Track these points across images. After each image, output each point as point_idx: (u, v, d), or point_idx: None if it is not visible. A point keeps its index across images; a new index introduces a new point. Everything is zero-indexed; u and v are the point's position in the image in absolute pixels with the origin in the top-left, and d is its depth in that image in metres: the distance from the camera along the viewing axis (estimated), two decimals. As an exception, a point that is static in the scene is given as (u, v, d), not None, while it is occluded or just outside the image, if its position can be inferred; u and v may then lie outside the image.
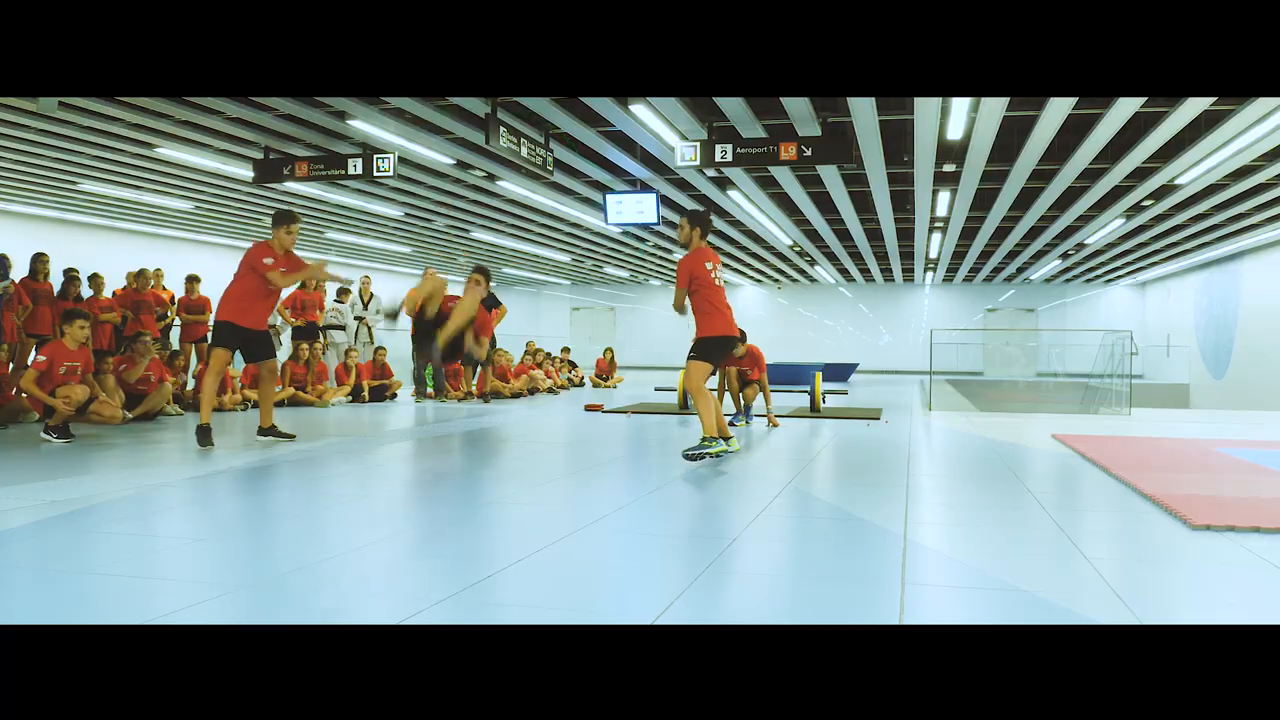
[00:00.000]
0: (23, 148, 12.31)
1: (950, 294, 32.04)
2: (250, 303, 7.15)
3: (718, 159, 10.44)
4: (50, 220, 18.43)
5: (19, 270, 10.32)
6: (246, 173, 12.95)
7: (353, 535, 3.95)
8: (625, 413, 10.72)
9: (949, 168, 13.11)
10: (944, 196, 15.21)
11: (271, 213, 17.83)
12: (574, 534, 3.94)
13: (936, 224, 18.36)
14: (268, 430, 7.45)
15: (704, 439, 6.25)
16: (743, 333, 9.23)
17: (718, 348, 6.44)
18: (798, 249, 22.66)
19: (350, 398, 12.40)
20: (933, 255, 23.56)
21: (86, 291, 10.84)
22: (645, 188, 14.27)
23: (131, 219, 19.18)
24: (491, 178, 14.38)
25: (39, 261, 10.04)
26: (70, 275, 10.43)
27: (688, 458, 6.16)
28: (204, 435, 6.88)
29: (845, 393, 15.77)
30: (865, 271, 28.19)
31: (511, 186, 14.90)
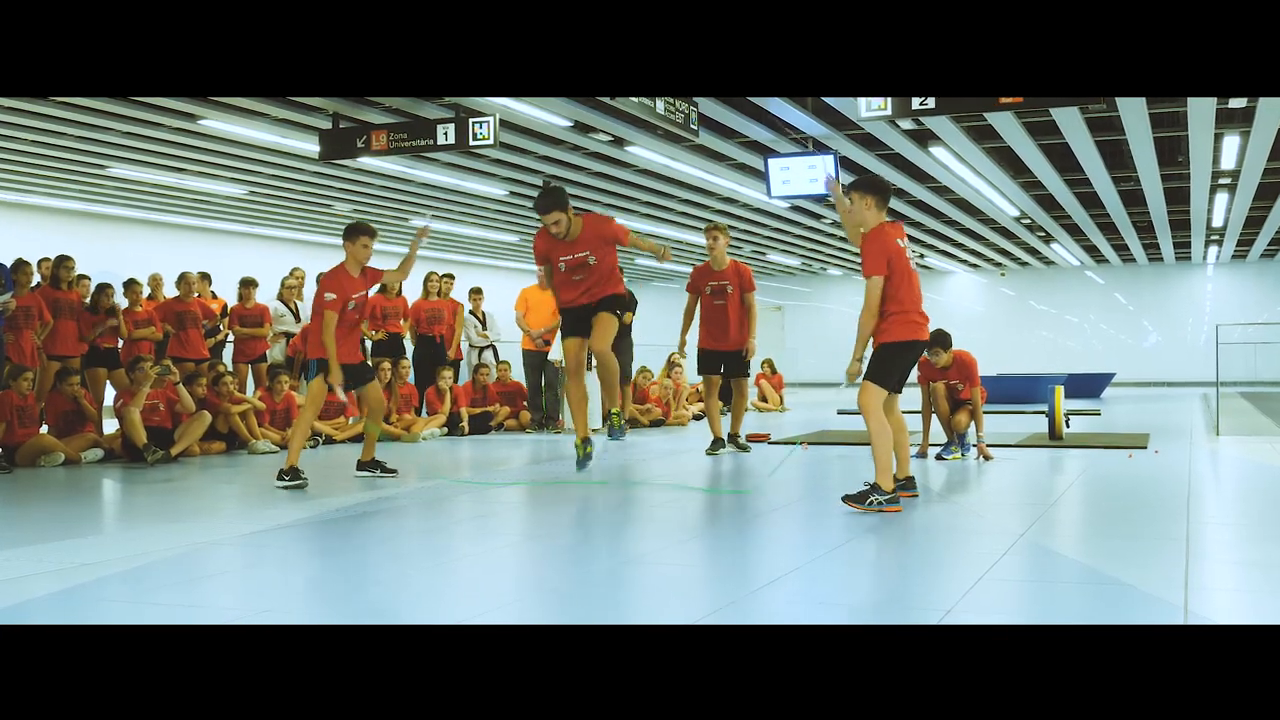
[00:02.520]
0: (41, 125, 13.02)
1: (1243, 276, 30.84)
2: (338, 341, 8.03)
3: (915, 105, 10.29)
4: (74, 214, 19.46)
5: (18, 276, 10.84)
6: (312, 147, 13.39)
7: (451, 607, 4.03)
8: (800, 444, 10.67)
9: (1238, 101, 12.63)
10: (1231, 141, 14.65)
11: (342, 196, 18.48)
12: (732, 604, 3.93)
13: (1221, 180, 17.67)
14: (367, 465, 8.33)
15: (872, 485, 6.05)
16: (947, 336, 9.07)
17: (900, 358, 6.27)
18: (1027, 221, 22.16)
19: (445, 429, 12.69)
20: (1217, 224, 22.70)
21: (121, 301, 11.39)
22: (820, 148, 14.18)
23: (172, 209, 20.09)
24: (618, 142, 14.53)
25: (62, 266, 10.56)
26: (102, 288, 10.98)
27: (848, 501, 6.08)
28: (294, 476, 7.71)
29: (1097, 413, 15.32)
30: (1121, 249, 27.38)
31: (644, 153, 15.00)
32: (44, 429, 10.00)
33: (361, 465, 8.31)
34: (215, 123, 12.80)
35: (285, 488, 7.51)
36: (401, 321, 13.06)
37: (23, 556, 5.03)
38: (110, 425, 10.39)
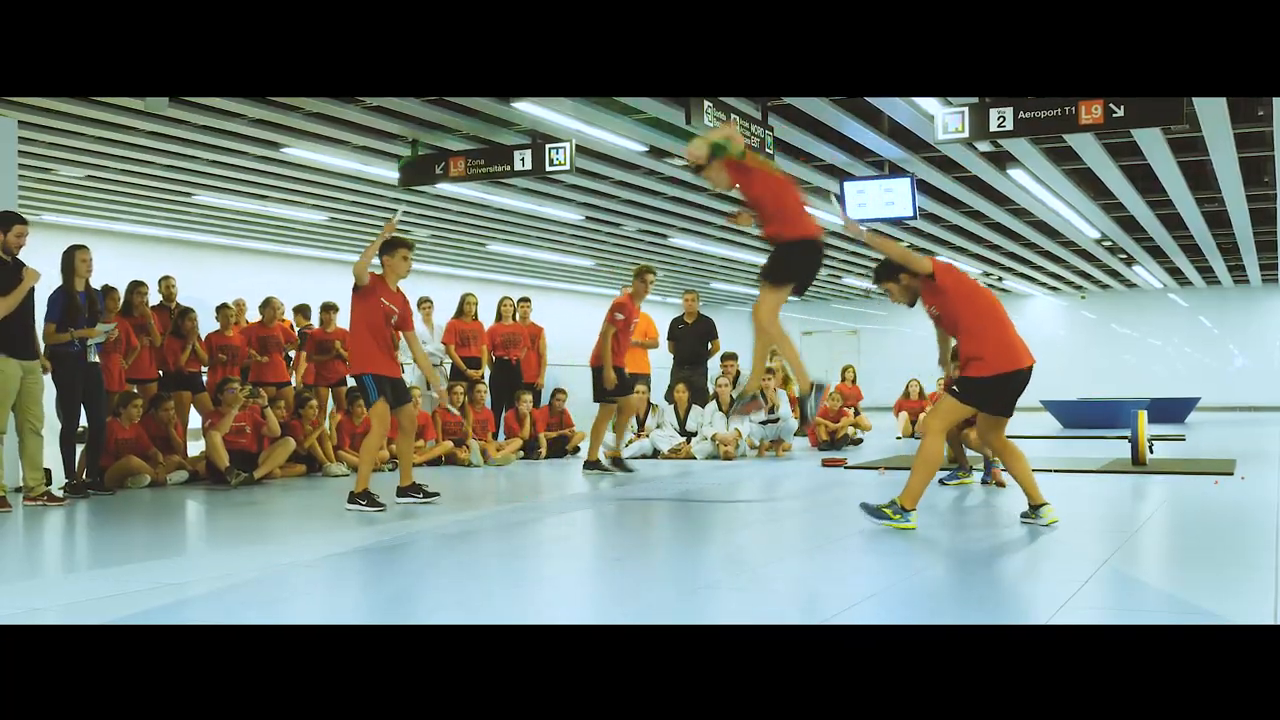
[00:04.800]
0: (130, 154, 13.34)
1: (1331, 298, 30.30)
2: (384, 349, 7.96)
3: (993, 127, 10.23)
4: (160, 240, 19.86)
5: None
6: (391, 173, 13.59)
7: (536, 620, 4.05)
8: (876, 469, 10.59)
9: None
10: (1318, 163, 14.40)
11: (421, 222, 18.68)
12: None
13: (1308, 201, 17.35)
14: (408, 490, 8.12)
15: (893, 502, 6.10)
16: None
17: (1000, 388, 6.20)
18: (1108, 243, 21.88)
19: (522, 453, 12.73)
20: (1304, 245, 22.31)
21: (208, 327, 11.54)
22: (896, 171, 14.13)
23: (255, 235, 20.45)
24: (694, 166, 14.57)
25: (136, 293, 10.61)
26: (184, 311, 11.09)
27: (867, 510, 6.17)
28: (369, 501, 7.62)
29: (1181, 438, 15.09)
30: (1205, 270, 26.94)
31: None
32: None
33: (402, 491, 8.09)
34: (297, 151, 13.03)
35: (359, 511, 7.49)
36: (482, 345, 13.12)
37: (110, 577, 5.14)
38: (195, 447, 10.56)
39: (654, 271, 10.82)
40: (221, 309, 11.65)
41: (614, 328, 10.37)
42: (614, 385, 10.36)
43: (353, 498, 7.63)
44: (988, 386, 6.12)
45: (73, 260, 8.92)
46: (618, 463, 10.55)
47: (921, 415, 14.80)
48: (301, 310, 13.31)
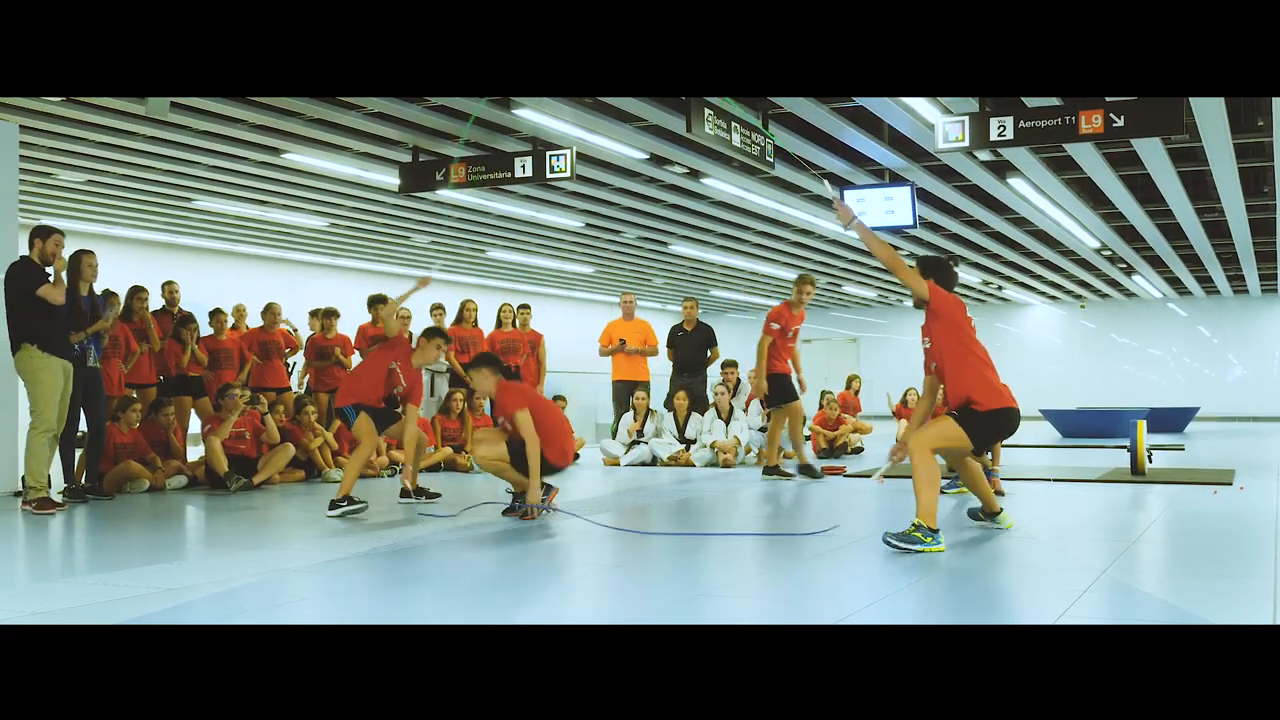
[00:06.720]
0: (130, 159, 13.35)
1: (1331, 308, 30.29)
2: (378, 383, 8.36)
3: (993, 137, 10.23)
4: (160, 245, 19.88)
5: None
6: (392, 179, 13.60)
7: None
8: (875, 476, 10.58)
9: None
10: (1317, 174, 14.41)
11: (420, 228, 18.69)
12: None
13: (1308, 212, 17.36)
14: (408, 492, 8.37)
15: (916, 525, 5.74)
16: None
17: (995, 428, 6.09)
18: (1107, 253, 21.90)
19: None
20: (1304, 256, 22.32)
21: (206, 331, 11.55)
22: (896, 180, 14.15)
23: (254, 241, 20.46)
24: (694, 174, 14.59)
25: (136, 298, 10.58)
26: (184, 319, 11.08)
27: (890, 544, 5.80)
28: (349, 502, 7.68)
29: (1180, 448, 15.08)
30: (1205, 280, 26.97)
31: (720, 184, 15.05)
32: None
33: (404, 493, 8.40)
34: (298, 156, 13.05)
35: (339, 515, 7.52)
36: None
37: (113, 581, 5.14)
38: (194, 452, 10.55)
39: (813, 282, 11.16)
40: (215, 314, 11.65)
41: (769, 337, 10.64)
42: (780, 392, 10.63)
43: (333, 504, 7.65)
44: (988, 421, 6.00)
45: (79, 265, 8.93)
46: (806, 469, 10.78)
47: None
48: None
